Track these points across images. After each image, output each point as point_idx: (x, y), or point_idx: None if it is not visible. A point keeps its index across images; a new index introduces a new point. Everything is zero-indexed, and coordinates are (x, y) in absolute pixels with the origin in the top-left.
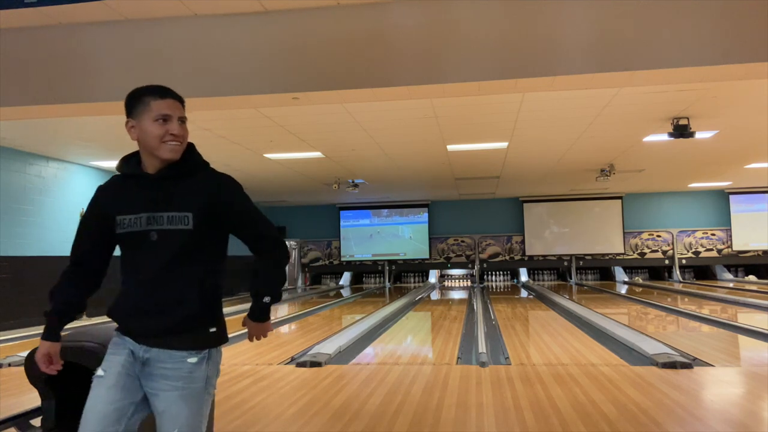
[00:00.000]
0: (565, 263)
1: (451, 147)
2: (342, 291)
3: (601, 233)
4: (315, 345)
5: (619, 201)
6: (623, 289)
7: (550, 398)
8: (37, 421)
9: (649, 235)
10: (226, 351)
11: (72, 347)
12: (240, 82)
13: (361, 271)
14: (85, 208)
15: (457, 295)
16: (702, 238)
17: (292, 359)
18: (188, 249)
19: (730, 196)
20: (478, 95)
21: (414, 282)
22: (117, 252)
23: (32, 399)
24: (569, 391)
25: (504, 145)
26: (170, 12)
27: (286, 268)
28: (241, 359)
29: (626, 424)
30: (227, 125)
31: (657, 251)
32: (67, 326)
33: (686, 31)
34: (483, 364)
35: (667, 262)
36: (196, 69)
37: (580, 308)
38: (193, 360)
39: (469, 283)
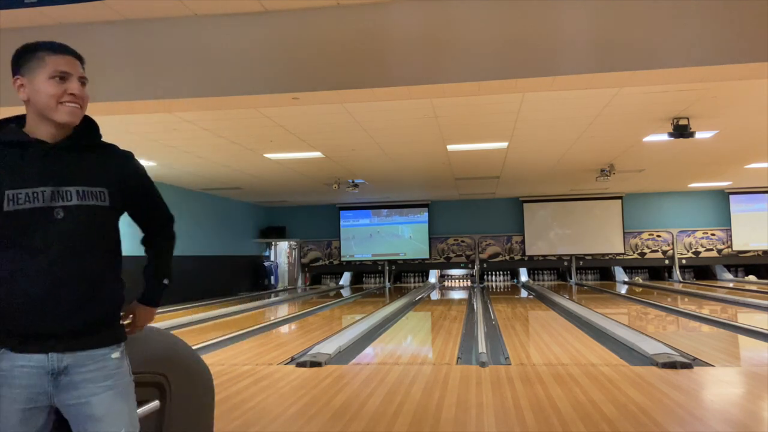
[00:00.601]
0: (565, 263)
1: (451, 147)
2: (342, 291)
3: (601, 233)
4: (315, 345)
5: (619, 201)
6: (623, 289)
7: (550, 398)
8: None
9: (649, 235)
10: (226, 351)
11: None
12: (240, 82)
13: (361, 271)
14: None
15: (457, 295)
16: (702, 238)
17: (292, 359)
18: (103, 229)
19: (730, 196)
20: (478, 95)
21: (414, 282)
22: None
23: None
24: (569, 391)
25: (504, 145)
26: (170, 12)
27: (285, 267)
28: (241, 359)
29: (626, 424)
30: (227, 125)
31: (657, 251)
32: None
33: (686, 31)
34: (483, 364)
35: (667, 262)
36: (196, 69)
37: (580, 308)
38: (116, 355)
39: (469, 283)
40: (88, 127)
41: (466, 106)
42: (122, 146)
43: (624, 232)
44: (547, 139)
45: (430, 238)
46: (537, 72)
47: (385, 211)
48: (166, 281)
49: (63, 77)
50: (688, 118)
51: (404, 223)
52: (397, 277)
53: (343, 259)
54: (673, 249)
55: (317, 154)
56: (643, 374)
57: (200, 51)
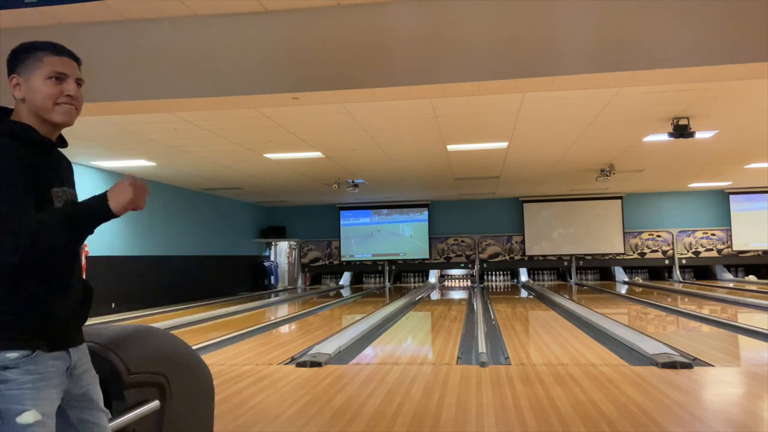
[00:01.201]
0: (565, 263)
1: (451, 147)
2: (342, 291)
3: (601, 233)
4: (315, 345)
5: (619, 201)
6: (623, 289)
7: (550, 398)
8: None
9: (649, 235)
10: (226, 351)
11: None
12: (240, 82)
13: (361, 271)
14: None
15: (457, 295)
16: (702, 238)
17: (292, 359)
18: None
19: (730, 196)
20: (478, 95)
21: (414, 282)
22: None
23: None
24: (569, 391)
25: (504, 145)
26: (170, 12)
27: (285, 267)
28: (241, 359)
29: (626, 424)
30: (227, 125)
31: (657, 251)
32: None
33: (686, 31)
34: (483, 364)
35: (667, 262)
36: (196, 69)
37: (580, 308)
38: (86, 345)
39: (469, 283)
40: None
41: (466, 106)
42: (122, 146)
43: (624, 232)
44: (547, 139)
45: (430, 238)
46: (537, 72)
47: (385, 210)
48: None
49: (60, 78)
50: (688, 118)
51: (405, 221)
52: (397, 277)
53: (343, 259)
54: (673, 249)
55: (317, 154)
56: (643, 374)
57: (200, 51)
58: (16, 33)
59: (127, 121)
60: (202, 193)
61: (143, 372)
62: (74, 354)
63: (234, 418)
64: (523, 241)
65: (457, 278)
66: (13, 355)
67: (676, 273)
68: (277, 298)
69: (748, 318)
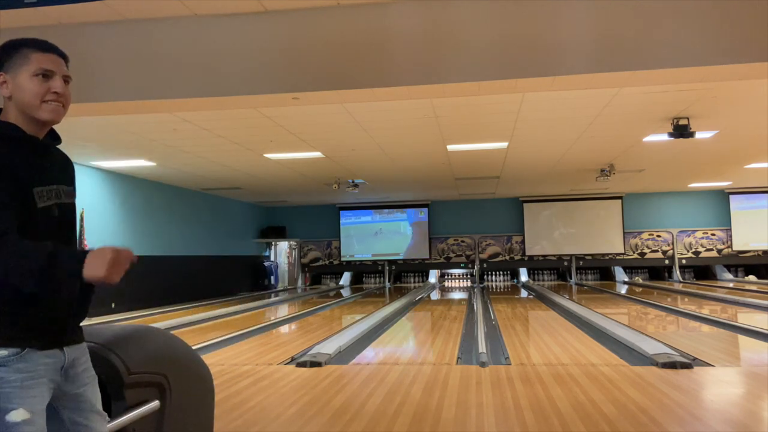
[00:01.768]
0: (565, 263)
1: (451, 147)
2: (342, 291)
3: (601, 233)
4: (315, 345)
5: (619, 201)
6: (623, 289)
7: (550, 398)
8: None
9: (649, 235)
10: (226, 351)
11: None
12: (240, 82)
13: (361, 271)
14: (84, 209)
15: (457, 295)
16: (702, 238)
17: (292, 359)
18: (76, 226)
19: (730, 196)
20: (478, 95)
21: (414, 282)
22: None
23: None
24: (569, 391)
25: (504, 145)
26: (170, 12)
27: (285, 267)
28: (241, 359)
29: (626, 424)
30: (227, 125)
31: (657, 251)
32: None
33: (686, 31)
34: (483, 364)
35: (667, 262)
36: (196, 69)
37: (580, 308)
38: (85, 344)
39: (469, 283)
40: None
41: (466, 106)
42: (122, 146)
43: (624, 232)
44: (547, 139)
45: (430, 238)
46: (537, 72)
47: (385, 210)
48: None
49: (47, 75)
50: (688, 118)
51: (405, 220)
52: (397, 277)
53: (343, 259)
54: (673, 249)
55: (317, 154)
56: (643, 374)
57: (200, 51)
58: (16, 33)
59: (127, 121)
60: (202, 193)
61: (143, 372)
62: (70, 353)
63: (234, 418)
64: (523, 241)
65: (457, 278)
66: (2, 353)
67: (676, 273)
68: (277, 298)
69: (748, 318)
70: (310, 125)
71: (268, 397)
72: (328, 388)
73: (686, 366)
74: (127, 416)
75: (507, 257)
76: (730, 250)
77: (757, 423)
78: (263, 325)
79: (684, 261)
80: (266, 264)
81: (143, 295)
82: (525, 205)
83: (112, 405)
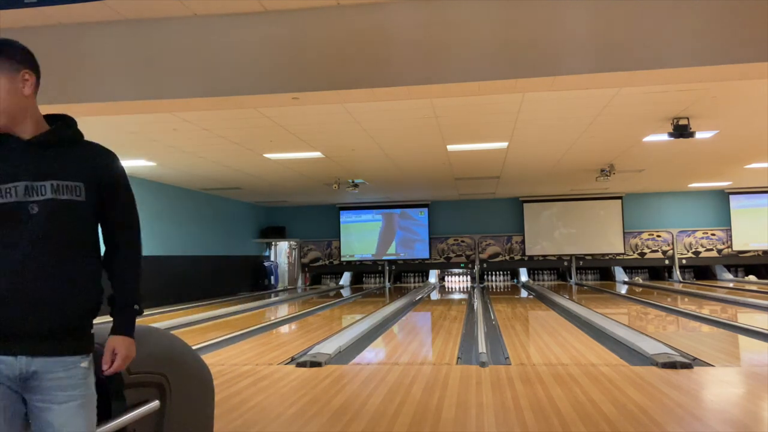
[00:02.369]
0: (565, 263)
1: (451, 147)
2: (342, 291)
3: (601, 233)
4: (315, 345)
5: (619, 201)
6: (623, 289)
7: (550, 398)
8: None
9: (649, 235)
10: (226, 351)
11: None
12: (240, 82)
13: (361, 271)
14: None
15: (457, 295)
16: (702, 238)
17: (292, 359)
18: (78, 227)
19: (730, 196)
20: (478, 95)
21: (414, 282)
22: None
23: None
24: (569, 391)
25: (504, 145)
26: (170, 12)
27: (285, 267)
28: (241, 359)
29: (626, 424)
30: (227, 125)
31: (657, 251)
32: None
33: (686, 31)
34: (483, 364)
35: (667, 262)
36: (196, 69)
37: (580, 308)
38: (85, 365)
39: (469, 283)
40: (66, 123)
41: (466, 106)
42: (122, 146)
43: (624, 232)
44: (547, 139)
45: (430, 238)
46: (537, 72)
47: (385, 210)
48: (137, 307)
49: None
50: (688, 118)
51: (405, 220)
52: (397, 277)
53: (343, 259)
54: (673, 249)
55: (317, 154)
56: (643, 374)
57: (200, 51)
58: (16, 33)
59: (127, 121)
60: (202, 193)
61: (143, 372)
62: (30, 363)
63: (234, 418)
64: (523, 241)
65: (457, 278)
66: None
67: (676, 273)
68: (277, 298)
69: (748, 318)
70: (310, 125)
71: (268, 397)
72: (328, 388)
73: (686, 366)
74: (127, 416)
75: (507, 257)
76: (730, 250)
77: (757, 423)
78: (263, 325)
79: (684, 261)
80: (266, 264)
81: (143, 294)
82: (525, 205)
83: (112, 405)
